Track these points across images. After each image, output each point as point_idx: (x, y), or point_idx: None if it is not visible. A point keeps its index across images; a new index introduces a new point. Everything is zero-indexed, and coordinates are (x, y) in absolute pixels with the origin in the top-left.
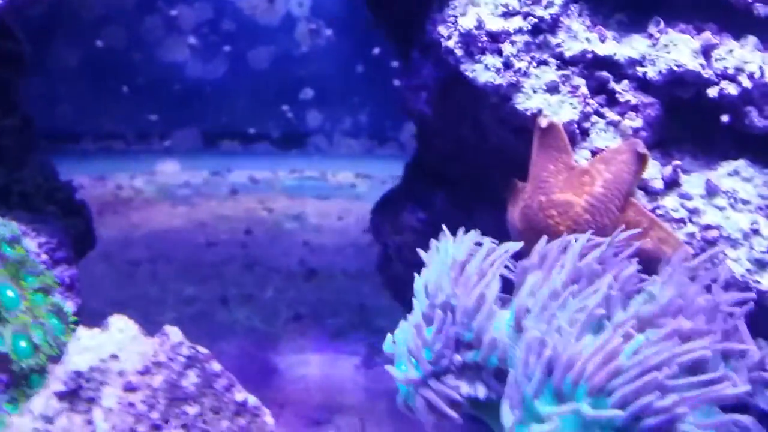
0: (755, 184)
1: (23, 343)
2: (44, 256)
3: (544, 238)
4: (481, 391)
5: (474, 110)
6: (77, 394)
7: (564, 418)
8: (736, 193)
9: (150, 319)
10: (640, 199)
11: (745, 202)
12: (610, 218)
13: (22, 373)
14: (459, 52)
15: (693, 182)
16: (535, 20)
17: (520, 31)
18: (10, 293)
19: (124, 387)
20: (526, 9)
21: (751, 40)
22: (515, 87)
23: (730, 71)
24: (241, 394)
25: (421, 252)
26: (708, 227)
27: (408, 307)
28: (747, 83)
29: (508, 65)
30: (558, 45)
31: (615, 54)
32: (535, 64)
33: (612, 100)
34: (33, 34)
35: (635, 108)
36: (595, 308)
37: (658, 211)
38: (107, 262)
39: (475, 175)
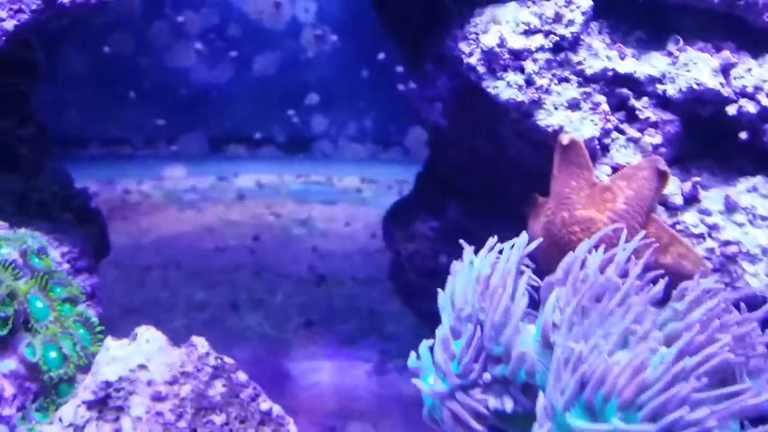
0: None
1: (53, 354)
2: (66, 266)
3: (570, 253)
4: (508, 405)
5: (490, 122)
6: (106, 404)
7: None
8: (754, 209)
9: (162, 326)
10: (661, 214)
11: (764, 218)
12: (632, 234)
13: (51, 382)
14: (481, 69)
15: (712, 198)
16: (557, 38)
17: (541, 48)
18: (39, 304)
19: (152, 396)
20: (547, 27)
21: None
22: (537, 104)
23: (749, 89)
24: (266, 404)
25: (454, 265)
26: (727, 243)
27: (420, 315)
28: (766, 101)
29: (530, 82)
30: (579, 63)
31: (635, 71)
32: (556, 81)
33: (632, 117)
34: (41, 40)
35: (655, 125)
36: (629, 325)
37: (678, 227)
38: (118, 269)
39: (491, 187)
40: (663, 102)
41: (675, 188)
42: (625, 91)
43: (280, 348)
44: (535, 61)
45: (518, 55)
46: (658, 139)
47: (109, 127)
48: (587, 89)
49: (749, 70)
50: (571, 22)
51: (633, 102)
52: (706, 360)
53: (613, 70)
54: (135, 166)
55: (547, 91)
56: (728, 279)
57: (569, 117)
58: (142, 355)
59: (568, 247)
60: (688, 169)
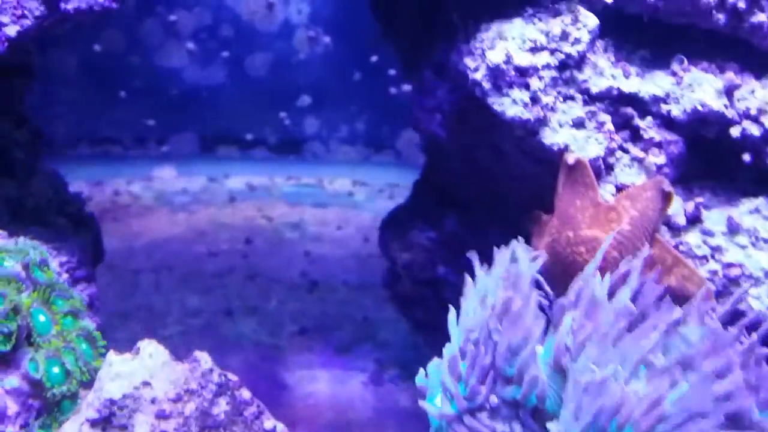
0: None
1: (56, 369)
2: (65, 276)
3: (580, 275)
4: (517, 430)
5: (492, 136)
6: (110, 422)
7: None
8: (757, 231)
9: (156, 333)
10: (664, 234)
11: (767, 240)
12: (637, 255)
13: (54, 399)
14: (486, 85)
15: (714, 219)
16: (563, 56)
17: (547, 66)
18: (42, 318)
19: (156, 415)
20: (553, 45)
21: None
22: (542, 121)
23: (753, 112)
24: (270, 422)
25: (466, 284)
26: (730, 265)
27: (415, 324)
28: None
29: (535, 100)
30: (584, 81)
31: (640, 91)
32: (561, 99)
33: (636, 136)
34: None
35: (659, 145)
36: (649, 354)
37: (681, 247)
38: (110, 273)
39: (490, 199)
40: (667, 122)
41: (678, 208)
42: (629, 110)
43: (275, 356)
44: (540, 78)
45: (524, 72)
46: (662, 159)
47: (99, 127)
48: (592, 108)
49: (753, 92)
50: (577, 41)
51: (637, 121)
52: (724, 400)
53: (618, 89)
54: (125, 166)
55: (553, 109)
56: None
57: (574, 135)
58: (145, 371)
59: (573, 267)
60: (691, 189)
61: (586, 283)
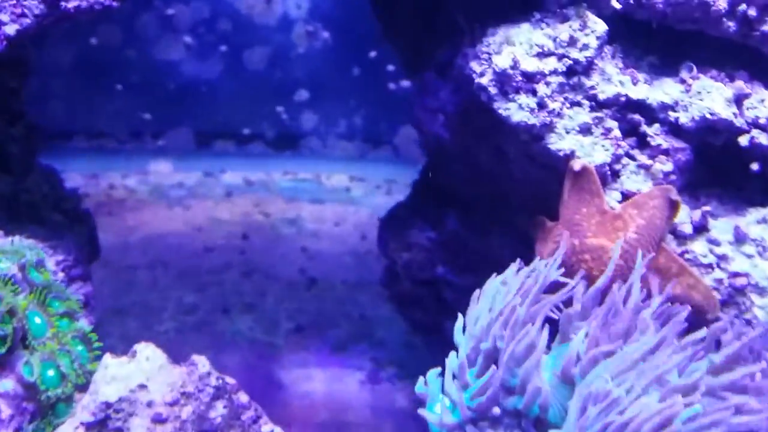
0: None
1: (51, 372)
2: (61, 274)
3: (581, 285)
4: None
5: (496, 139)
6: (105, 425)
7: None
8: (764, 241)
9: (151, 329)
10: (670, 242)
11: None
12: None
13: (48, 402)
14: (493, 90)
15: (721, 227)
16: (570, 62)
17: (554, 72)
18: (37, 320)
19: (152, 418)
20: (561, 51)
21: None
22: (548, 127)
23: (762, 121)
24: (267, 426)
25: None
26: (736, 274)
27: (412, 323)
28: None
29: (542, 105)
30: (592, 87)
31: (648, 98)
32: (568, 105)
33: (643, 143)
34: None
35: (666, 152)
36: (667, 372)
37: (687, 256)
38: (105, 268)
39: (492, 200)
40: (675, 129)
41: (685, 217)
42: (637, 117)
43: (271, 354)
44: (547, 84)
45: (531, 78)
46: (669, 166)
47: (95, 120)
48: (599, 114)
49: (762, 101)
50: (585, 47)
51: (644, 128)
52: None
53: (626, 95)
54: (120, 160)
55: (559, 115)
56: (736, 311)
57: (581, 142)
58: (142, 374)
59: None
60: (698, 197)
61: (593, 293)
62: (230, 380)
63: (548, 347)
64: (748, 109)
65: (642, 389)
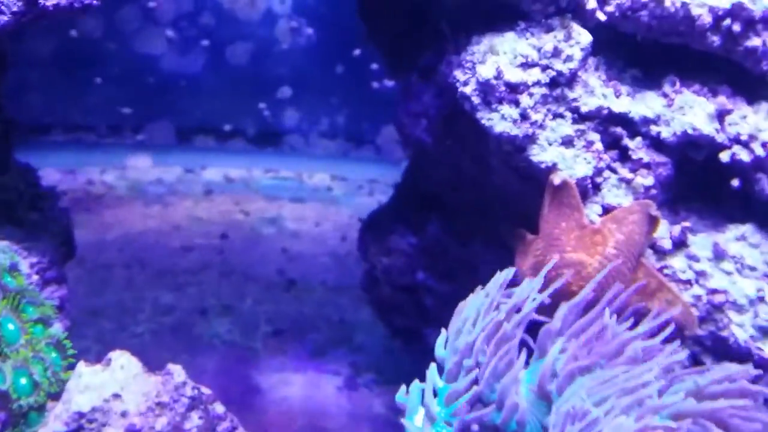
0: (762, 251)
1: (23, 380)
2: (35, 277)
3: (566, 303)
4: None
5: (477, 146)
6: None
7: None
8: (743, 258)
9: (126, 331)
10: (649, 257)
11: (752, 268)
12: (622, 281)
13: (20, 411)
14: (476, 100)
15: (700, 243)
16: (554, 73)
17: (538, 83)
18: (11, 326)
19: (126, 429)
20: (545, 62)
21: (765, 106)
22: (530, 138)
23: (743, 137)
24: None
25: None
26: (715, 291)
27: (392, 328)
28: (760, 151)
29: (524, 116)
30: (575, 99)
31: (630, 111)
32: (551, 117)
33: (624, 157)
34: None
35: (647, 166)
36: (647, 393)
37: (666, 271)
38: (80, 266)
39: (474, 207)
40: (656, 143)
41: (664, 231)
42: (619, 130)
43: (249, 358)
44: (531, 95)
45: (514, 89)
46: (650, 180)
47: (73, 114)
48: (581, 126)
49: (744, 117)
50: (569, 58)
51: (626, 142)
52: None
53: (608, 108)
54: (98, 154)
55: (542, 127)
56: (714, 328)
57: (563, 154)
58: (116, 383)
59: (557, 290)
60: (677, 211)
61: (572, 309)
62: (206, 390)
63: (527, 363)
64: (729, 125)
65: (621, 410)
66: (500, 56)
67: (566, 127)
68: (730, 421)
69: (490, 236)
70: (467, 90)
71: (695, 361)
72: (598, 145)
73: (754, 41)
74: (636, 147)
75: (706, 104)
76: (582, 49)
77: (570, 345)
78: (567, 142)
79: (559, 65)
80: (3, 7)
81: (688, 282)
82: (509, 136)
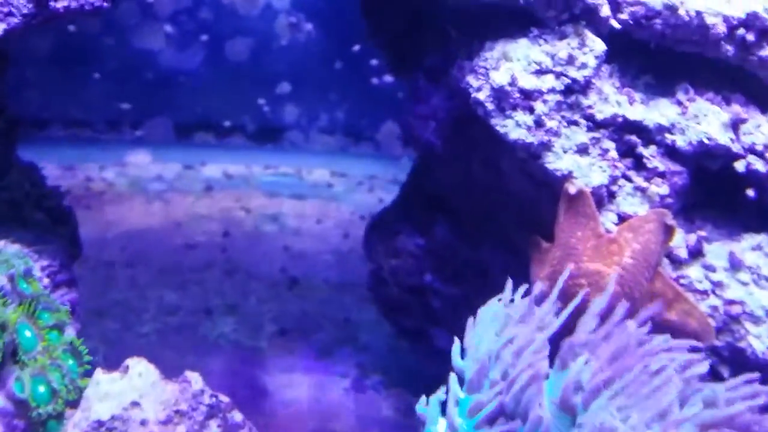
0: None
1: (42, 388)
2: (46, 281)
3: (589, 314)
4: None
5: (488, 150)
6: None
7: None
8: (759, 268)
9: (132, 331)
10: (665, 267)
11: None
12: (639, 291)
13: (39, 419)
14: (490, 106)
15: (716, 253)
16: (568, 81)
17: (552, 90)
18: (28, 333)
19: None
20: (559, 69)
21: None
22: (546, 146)
23: (758, 147)
24: None
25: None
26: (731, 302)
27: (398, 328)
28: None
29: (539, 124)
30: (589, 107)
31: (644, 119)
32: (565, 124)
33: (639, 165)
34: None
35: (662, 174)
36: (667, 407)
37: (682, 281)
38: (83, 265)
39: (483, 211)
40: (671, 152)
41: (680, 241)
42: (633, 138)
43: (256, 359)
44: (545, 102)
45: (529, 95)
46: (665, 189)
47: (71, 109)
48: (596, 134)
49: (758, 126)
50: (584, 65)
51: (641, 150)
52: None
53: (623, 116)
54: (97, 150)
55: (557, 134)
56: (731, 338)
57: (578, 162)
58: (134, 391)
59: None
60: (692, 220)
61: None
62: (224, 398)
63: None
64: (744, 134)
65: (645, 424)
66: (514, 62)
67: (581, 135)
68: (753, 429)
69: (499, 240)
70: (481, 96)
71: (713, 372)
72: (613, 153)
73: None
74: (651, 155)
75: (720, 113)
76: (596, 57)
77: (594, 358)
78: (582, 149)
79: (573, 72)
80: (13, 9)
81: (705, 292)
82: (524, 143)
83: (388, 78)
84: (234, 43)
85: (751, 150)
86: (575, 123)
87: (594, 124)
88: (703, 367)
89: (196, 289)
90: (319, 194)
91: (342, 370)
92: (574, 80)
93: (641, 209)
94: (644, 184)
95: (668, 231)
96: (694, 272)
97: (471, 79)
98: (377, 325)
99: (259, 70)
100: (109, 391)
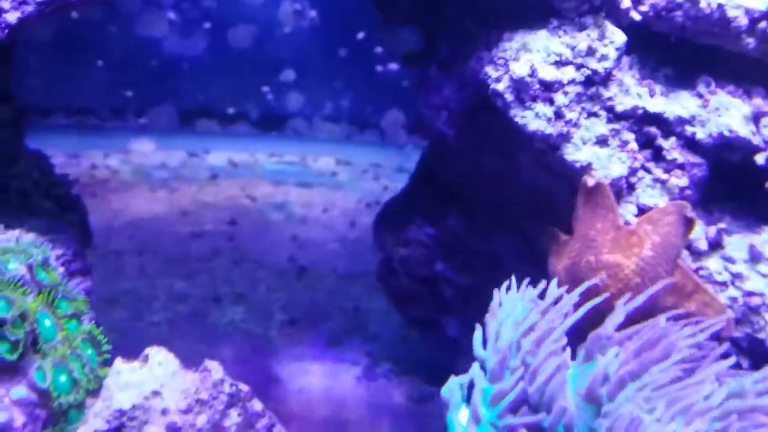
0: None
1: (63, 378)
2: (61, 269)
3: (620, 307)
4: None
5: (503, 141)
6: None
7: None
8: None
9: (143, 320)
10: (685, 258)
11: None
12: (659, 281)
13: (60, 409)
14: (509, 97)
15: (735, 245)
16: (589, 72)
17: (572, 81)
18: (47, 323)
19: (167, 427)
20: (579, 60)
21: None
22: (565, 137)
23: None
24: None
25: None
26: (751, 293)
27: (408, 317)
28: None
29: (559, 115)
30: (610, 98)
31: (665, 111)
32: (585, 116)
33: (659, 157)
34: None
35: (682, 166)
36: (695, 400)
37: (702, 272)
38: (92, 254)
39: (496, 200)
40: (690, 144)
41: (700, 233)
42: (653, 129)
43: (265, 347)
44: (565, 93)
45: (549, 87)
46: (684, 181)
47: (75, 97)
48: (616, 126)
49: None
50: (604, 57)
51: (660, 142)
52: None
53: (644, 108)
54: (101, 138)
55: (576, 125)
56: (750, 330)
57: (597, 153)
58: (155, 380)
59: (594, 292)
60: (711, 212)
61: (616, 316)
62: (244, 387)
63: None
64: (765, 127)
65: (670, 417)
66: (533, 54)
67: (601, 126)
68: None
69: (511, 230)
70: (500, 87)
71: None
72: (633, 145)
73: None
74: (670, 147)
75: (741, 106)
76: (617, 49)
77: (621, 350)
78: (602, 141)
79: (593, 64)
80: None
81: (724, 284)
82: (543, 135)
83: (393, 66)
84: (237, 30)
85: None
86: (595, 114)
87: (614, 116)
88: (729, 362)
89: (204, 278)
90: (325, 182)
91: (353, 358)
92: (594, 72)
93: (661, 201)
94: (664, 176)
95: (688, 223)
96: (713, 264)
97: (490, 70)
98: (387, 315)
99: (263, 58)
100: (130, 380)
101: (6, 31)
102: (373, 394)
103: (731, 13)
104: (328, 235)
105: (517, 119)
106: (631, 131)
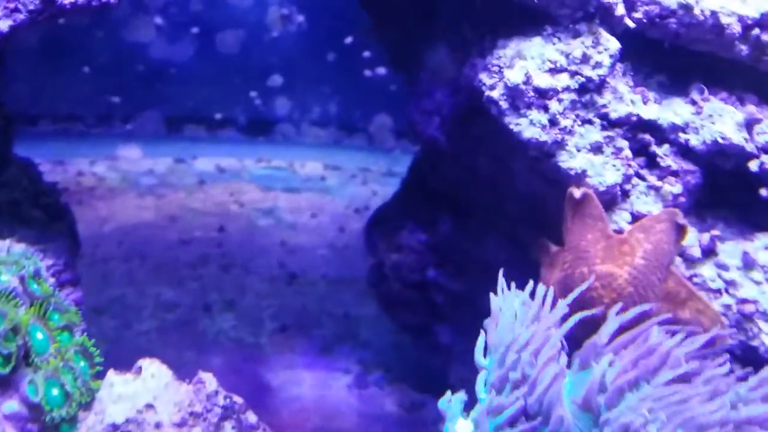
0: None
1: (55, 391)
2: (51, 280)
3: (613, 316)
4: None
5: (496, 147)
6: None
7: None
8: None
9: (131, 328)
10: (678, 265)
11: None
12: (653, 291)
13: (52, 423)
14: (504, 105)
15: (728, 252)
16: (583, 79)
17: (567, 89)
18: (39, 335)
19: None
20: (573, 67)
21: None
22: (559, 144)
23: None
24: None
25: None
26: (744, 301)
27: (398, 323)
28: None
29: (553, 122)
30: (604, 105)
31: (658, 118)
32: (579, 123)
33: (652, 164)
34: None
35: (676, 173)
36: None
37: (696, 280)
38: (79, 261)
39: (488, 207)
40: (684, 151)
41: (693, 240)
42: (647, 137)
43: (257, 355)
44: (560, 101)
45: (543, 94)
46: (678, 188)
47: (61, 103)
48: (610, 133)
49: None
50: (598, 65)
51: (654, 149)
52: None
53: (638, 115)
54: (88, 145)
55: (570, 133)
56: (744, 337)
57: (591, 161)
58: (148, 393)
59: (589, 302)
60: (705, 219)
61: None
62: (238, 399)
63: None
64: (758, 134)
65: (672, 426)
66: (528, 61)
67: (595, 134)
68: None
69: (504, 236)
70: (494, 94)
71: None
72: (627, 152)
73: None
74: (664, 154)
75: (735, 113)
76: (611, 56)
77: (617, 359)
78: (596, 148)
79: (588, 71)
80: (19, 5)
81: (718, 291)
82: (538, 142)
83: (381, 70)
84: (225, 35)
85: (765, 150)
86: (589, 122)
87: (608, 123)
88: (724, 369)
89: (193, 285)
90: (313, 187)
91: (344, 366)
92: (588, 79)
93: (655, 208)
94: (657, 183)
95: (680, 230)
96: (707, 271)
97: (484, 77)
98: (378, 321)
99: (250, 63)
100: (123, 393)
101: None
102: (365, 402)
103: (725, 20)
104: (318, 240)
105: (511, 126)
106: (625, 138)
